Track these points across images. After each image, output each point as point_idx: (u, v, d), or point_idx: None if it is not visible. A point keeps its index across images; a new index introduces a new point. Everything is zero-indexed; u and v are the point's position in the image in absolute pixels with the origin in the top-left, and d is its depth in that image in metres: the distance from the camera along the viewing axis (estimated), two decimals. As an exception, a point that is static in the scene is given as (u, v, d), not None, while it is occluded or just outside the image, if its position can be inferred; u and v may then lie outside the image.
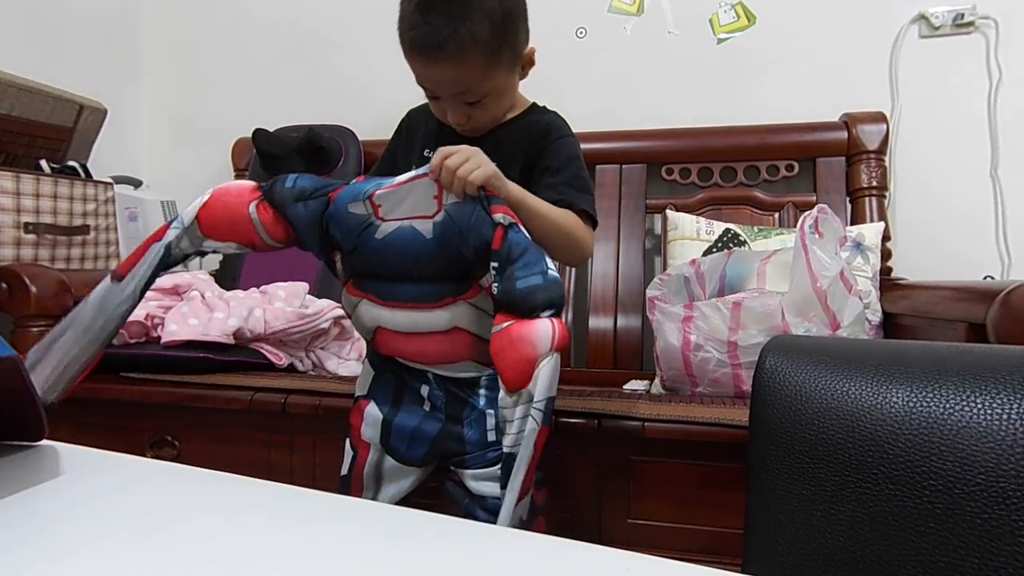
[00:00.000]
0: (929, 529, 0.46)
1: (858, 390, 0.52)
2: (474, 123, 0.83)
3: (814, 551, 0.51)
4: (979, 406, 0.47)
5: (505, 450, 0.67)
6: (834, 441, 0.51)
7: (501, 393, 0.67)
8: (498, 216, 0.68)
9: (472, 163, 0.69)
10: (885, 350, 0.56)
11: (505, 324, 0.67)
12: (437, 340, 0.75)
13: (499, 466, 0.77)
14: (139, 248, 0.74)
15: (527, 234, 0.69)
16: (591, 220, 0.84)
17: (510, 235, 0.68)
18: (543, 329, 0.65)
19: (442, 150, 0.70)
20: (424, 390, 0.81)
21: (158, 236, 0.74)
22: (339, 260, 0.78)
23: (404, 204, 0.72)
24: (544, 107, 0.91)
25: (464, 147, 0.70)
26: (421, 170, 0.71)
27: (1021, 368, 0.48)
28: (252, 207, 0.74)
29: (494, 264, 0.68)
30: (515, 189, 0.75)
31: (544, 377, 0.65)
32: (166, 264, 0.74)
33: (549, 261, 0.69)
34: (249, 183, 0.77)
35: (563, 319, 0.68)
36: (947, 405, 0.48)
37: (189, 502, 0.35)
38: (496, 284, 0.69)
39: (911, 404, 0.49)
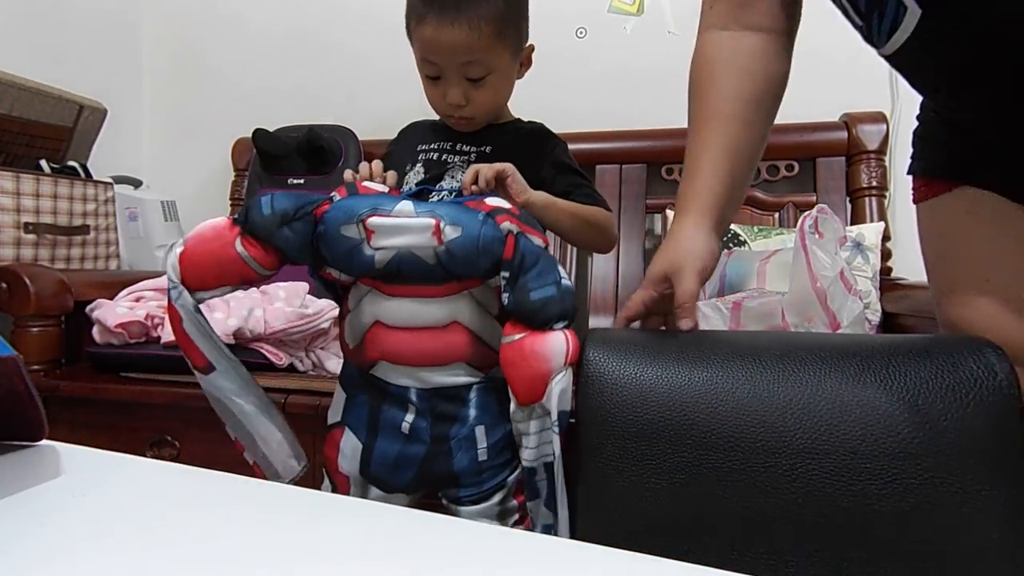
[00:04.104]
0: (732, 481, 0.56)
1: (667, 374, 0.61)
2: (472, 108, 0.82)
3: (645, 521, 0.58)
4: (759, 379, 0.58)
5: (524, 464, 0.68)
6: (653, 420, 0.59)
7: (512, 406, 0.67)
8: (506, 225, 0.68)
9: (485, 166, 0.73)
10: (685, 339, 0.66)
11: (517, 336, 0.66)
12: (433, 335, 0.72)
13: (496, 499, 0.76)
14: (183, 336, 0.71)
15: (537, 242, 0.69)
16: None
17: (521, 243, 0.67)
18: (557, 343, 0.65)
19: (473, 167, 0.74)
20: (406, 415, 0.74)
21: (175, 314, 0.70)
22: (337, 273, 0.74)
23: (400, 237, 0.69)
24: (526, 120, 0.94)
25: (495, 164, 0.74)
26: (423, 207, 0.69)
27: (788, 349, 0.61)
28: (238, 244, 0.69)
29: (504, 274, 0.67)
30: (541, 194, 0.78)
31: (558, 392, 0.64)
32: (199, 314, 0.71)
33: (562, 270, 0.68)
34: (222, 220, 0.71)
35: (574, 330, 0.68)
36: (736, 380, 0.59)
37: (189, 502, 0.35)
38: (507, 294, 0.67)
39: (710, 382, 0.59)
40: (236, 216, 0.71)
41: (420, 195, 0.74)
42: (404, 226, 0.68)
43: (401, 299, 0.72)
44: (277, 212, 0.68)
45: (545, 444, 0.67)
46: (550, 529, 0.69)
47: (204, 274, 0.69)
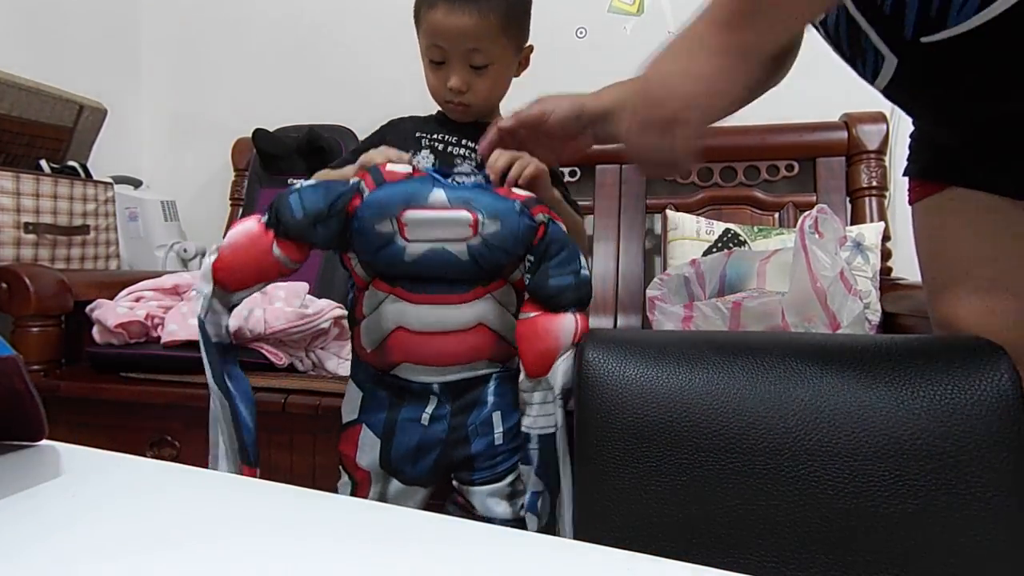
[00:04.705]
0: (733, 483, 0.56)
1: (668, 374, 0.61)
2: (472, 95, 0.83)
3: (645, 522, 0.59)
4: (760, 380, 0.58)
5: (523, 428, 0.72)
6: (653, 421, 0.60)
7: (522, 376, 0.72)
8: (540, 216, 0.72)
9: (526, 159, 0.75)
10: (686, 339, 0.67)
11: (533, 314, 0.72)
12: (458, 338, 0.74)
13: (508, 480, 0.78)
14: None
15: (564, 228, 0.73)
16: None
17: (551, 231, 0.72)
18: (567, 324, 0.71)
19: (497, 152, 0.76)
20: (426, 407, 0.77)
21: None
22: (355, 262, 0.76)
23: (435, 231, 0.71)
24: None
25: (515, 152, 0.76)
26: (456, 196, 0.70)
27: (788, 349, 0.61)
28: (276, 249, 0.70)
29: (530, 257, 0.72)
30: (556, 193, 0.82)
31: (563, 370, 0.69)
32: (216, 344, 0.71)
33: (583, 259, 0.73)
34: (253, 225, 0.71)
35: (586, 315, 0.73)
36: (737, 381, 0.59)
37: (189, 502, 0.35)
38: (528, 276, 0.72)
39: (711, 383, 0.60)
40: (267, 218, 0.71)
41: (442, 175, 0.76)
42: (440, 220, 0.70)
43: (427, 306, 0.73)
44: (310, 213, 0.69)
45: (543, 416, 0.71)
46: (537, 497, 0.72)
47: (244, 276, 0.71)
